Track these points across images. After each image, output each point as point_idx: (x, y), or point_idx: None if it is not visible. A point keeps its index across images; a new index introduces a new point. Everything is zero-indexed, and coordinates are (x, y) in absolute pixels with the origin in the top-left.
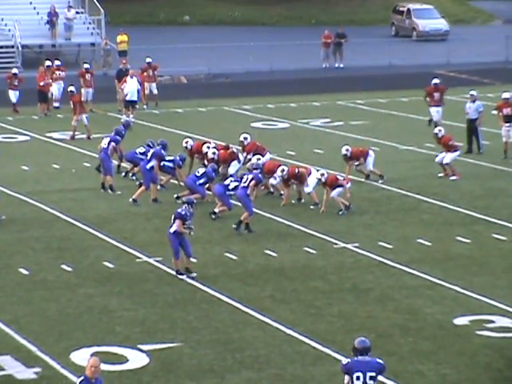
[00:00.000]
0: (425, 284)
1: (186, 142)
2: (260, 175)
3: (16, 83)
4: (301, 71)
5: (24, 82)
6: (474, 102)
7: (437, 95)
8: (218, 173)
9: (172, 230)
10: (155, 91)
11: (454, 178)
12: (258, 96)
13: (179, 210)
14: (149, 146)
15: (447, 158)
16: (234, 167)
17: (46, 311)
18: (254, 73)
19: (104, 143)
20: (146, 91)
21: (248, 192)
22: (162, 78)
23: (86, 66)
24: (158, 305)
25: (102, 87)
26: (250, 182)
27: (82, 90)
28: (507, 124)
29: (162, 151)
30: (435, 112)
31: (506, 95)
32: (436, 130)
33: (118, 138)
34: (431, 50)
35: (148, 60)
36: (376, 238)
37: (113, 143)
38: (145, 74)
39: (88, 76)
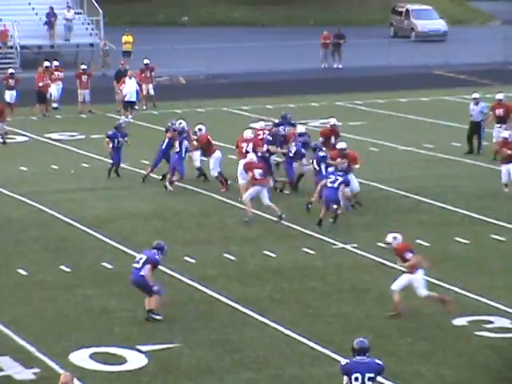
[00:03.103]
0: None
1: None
2: (348, 178)
3: (12, 84)
4: (300, 72)
5: (20, 82)
6: (477, 104)
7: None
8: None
9: None
10: (152, 92)
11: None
12: (256, 97)
13: None
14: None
15: None
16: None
17: (45, 312)
18: (253, 73)
19: (176, 148)
20: (144, 92)
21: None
22: (160, 78)
23: (83, 67)
24: None
25: (100, 88)
26: (340, 184)
27: (79, 91)
28: (498, 125)
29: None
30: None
31: (499, 96)
32: (506, 135)
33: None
34: (430, 50)
35: (146, 61)
36: (375, 239)
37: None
38: (142, 75)
39: (84, 77)
